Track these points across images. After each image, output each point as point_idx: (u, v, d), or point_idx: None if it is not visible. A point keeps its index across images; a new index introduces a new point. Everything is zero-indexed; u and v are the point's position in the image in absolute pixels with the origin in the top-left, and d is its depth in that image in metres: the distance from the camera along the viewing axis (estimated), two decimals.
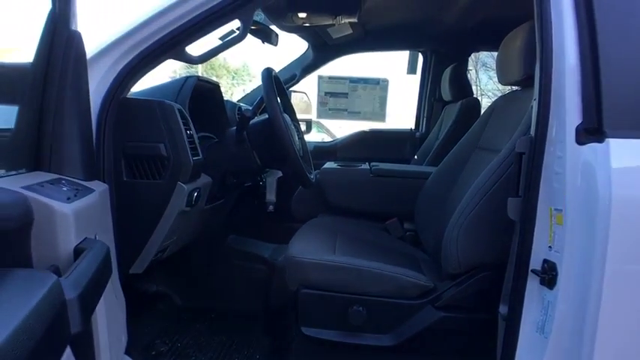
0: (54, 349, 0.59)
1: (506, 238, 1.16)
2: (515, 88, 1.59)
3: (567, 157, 0.99)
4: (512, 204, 1.08)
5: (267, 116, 1.42)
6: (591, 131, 0.99)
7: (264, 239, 2.11)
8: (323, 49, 2.58)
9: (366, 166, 1.93)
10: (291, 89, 2.66)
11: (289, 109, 1.71)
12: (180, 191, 1.23)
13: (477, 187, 1.26)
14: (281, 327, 1.73)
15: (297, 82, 2.64)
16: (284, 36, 2.49)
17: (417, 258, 1.59)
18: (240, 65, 16.89)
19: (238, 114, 1.87)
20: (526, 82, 1.36)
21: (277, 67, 2.65)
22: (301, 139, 1.69)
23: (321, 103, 2.91)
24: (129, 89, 1.21)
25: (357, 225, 1.78)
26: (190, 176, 1.24)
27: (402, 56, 2.83)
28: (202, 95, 1.60)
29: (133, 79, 1.18)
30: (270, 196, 1.71)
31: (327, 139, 3.76)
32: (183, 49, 1.25)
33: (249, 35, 1.63)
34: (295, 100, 2.81)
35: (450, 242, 1.26)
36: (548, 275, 1.02)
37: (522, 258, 1.07)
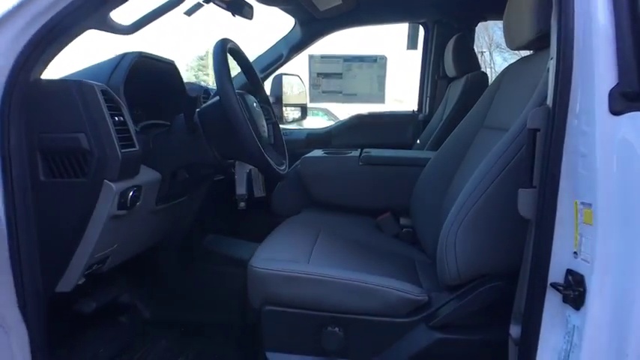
0: None
1: (518, 241, 0.91)
2: (527, 53, 1.31)
3: (597, 132, 0.74)
4: (525, 197, 0.83)
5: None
6: (631, 96, 0.74)
7: (249, 237, 1.88)
8: (311, 24, 2.31)
9: (355, 153, 1.67)
10: (282, 73, 2.42)
11: (258, 89, 1.45)
12: (108, 191, 1.00)
13: (480, 176, 1.00)
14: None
15: (284, 62, 2.38)
16: (276, 14, 2.24)
17: (413, 260, 1.34)
18: None
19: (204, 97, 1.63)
20: (540, 43, 1.09)
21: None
22: (272, 124, 1.44)
23: (314, 85, 2.64)
24: (41, 68, 0.97)
25: (345, 222, 1.53)
26: (121, 173, 1.00)
27: (401, 30, 2.54)
28: (154, 76, 1.36)
29: (42, 56, 0.95)
30: (241, 190, 1.46)
31: None
32: (107, 16, 1.01)
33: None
34: (288, 84, 2.58)
35: (447, 245, 1.00)
36: (574, 291, 0.77)
37: (539, 267, 0.82)
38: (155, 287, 1.69)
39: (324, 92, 2.66)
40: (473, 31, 2.37)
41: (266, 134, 1.31)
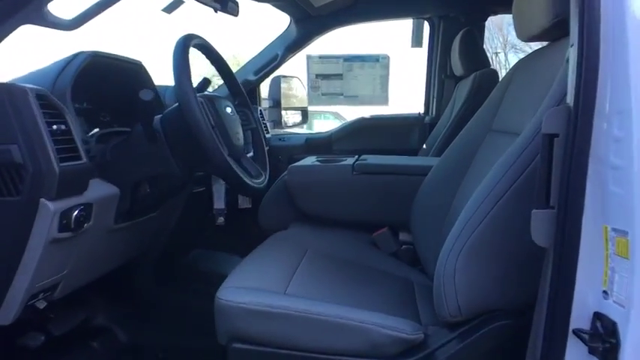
0: None
1: (533, 271, 0.74)
2: (541, 46, 1.14)
3: (635, 138, 0.57)
4: (540, 219, 0.66)
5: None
6: None
7: (238, 251, 1.73)
8: (307, 22, 2.15)
9: (350, 160, 1.50)
10: (280, 75, 2.27)
11: (235, 91, 1.30)
12: (45, 212, 0.85)
13: (485, 191, 0.82)
14: None
15: (280, 63, 2.23)
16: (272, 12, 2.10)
17: (412, 284, 1.17)
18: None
19: None
20: (557, 31, 0.92)
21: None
22: (252, 130, 1.29)
23: (313, 88, 2.49)
24: None
25: (336, 238, 1.37)
26: (60, 189, 0.86)
27: (405, 26, 2.36)
28: (120, 78, 1.22)
29: None
30: (219, 204, 1.31)
31: None
32: (43, 9, 0.87)
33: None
34: (287, 86, 2.44)
35: (445, 275, 0.83)
36: (604, 343, 0.60)
37: (558, 308, 0.65)
38: (132, 308, 1.55)
39: (323, 95, 2.50)
40: (482, 27, 2.18)
41: (241, 142, 1.15)
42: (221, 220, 1.33)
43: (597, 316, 0.62)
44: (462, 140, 1.26)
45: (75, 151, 0.91)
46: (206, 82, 1.33)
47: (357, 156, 1.62)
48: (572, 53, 0.65)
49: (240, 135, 1.16)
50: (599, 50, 0.60)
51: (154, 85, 1.30)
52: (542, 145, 0.65)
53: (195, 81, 1.36)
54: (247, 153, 1.28)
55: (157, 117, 1.07)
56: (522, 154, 0.78)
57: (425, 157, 1.85)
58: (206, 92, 1.26)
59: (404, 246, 1.37)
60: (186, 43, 1.02)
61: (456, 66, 1.97)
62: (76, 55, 1.05)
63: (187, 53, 1.01)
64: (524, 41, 1.13)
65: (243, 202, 1.67)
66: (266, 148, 1.39)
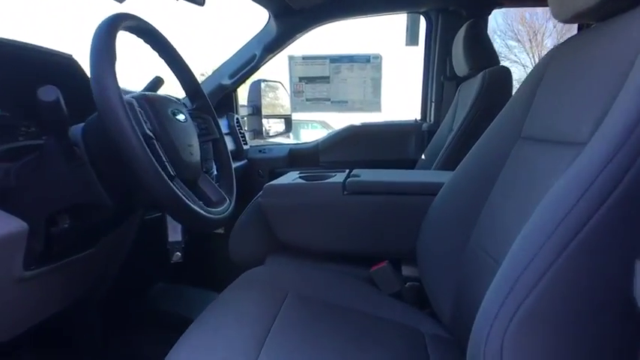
0: None
1: (626, 348, 0.47)
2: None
3: None
4: None
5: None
6: None
7: (216, 283, 1.43)
8: (288, 17, 1.89)
9: (339, 176, 1.23)
10: (261, 79, 2.02)
11: (194, 92, 1.02)
12: None
13: (544, 228, 0.55)
14: None
15: (258, 65, 1.96)
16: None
17: (422, 336, 0.90)
18: None
19: None
20: (608, 7, 0.66)
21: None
22: (213, 141, 1.01)
23: (296, 92, 2.23)
24: None
25: (324, 276, 1.09)
26: None
27: (399, 22, 2.12)
28: (45, 76, 0.93)
29: None
30: (175, 235, 1.02)
31: None
32: None
33: None
34: (270, 92, 2.18)
35: (486, 354, 0.56)
36: None
37: None
38: None
39: (308, 100, 2.24)
40: (486, 22, 1.94)
41: (195, 158, 0.87)
42: (177, 255, 1.04)
43: None
44: (481, 151, 0.99)
45: None
46: (158, 81, 1.06)
47: (347, 170, 1.36)
48: None
49: (196, 148, 0.88)
50: None
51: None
52: None
53: (145, 80, 1.09)
54: (210, 171, 1.00)
55: (78, 126, 0.79)
56: (603, 173, 0.51)
57: (430, 170, 1.58)
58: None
59: (408, 283, 1.10)
60: (114, 24, 0.74)
61: (460, 65, 1.72)
62: None
63: (113, 38, 0.73)
64: (562, 22, 0.88)
65: None
66: (235, 165, 1.11)
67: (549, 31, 10.16)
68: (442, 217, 1.01)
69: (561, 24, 1.48)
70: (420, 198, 1.08)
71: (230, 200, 0.93)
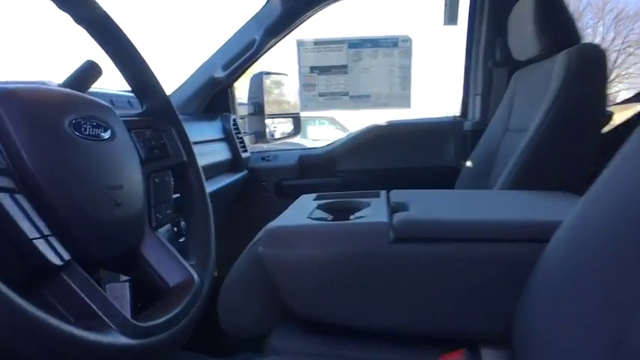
0: None
1: None
2: None
3: None
4: None
5: None
6: None
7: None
8: None
9: (377, 206, 0.82)
10: (264, 71, 1.70)
11: (140, 86, 0.61)
12: None
13: None
14: None
15: (258, 52, 1.58)
16: None
17: None
18: None
19: None
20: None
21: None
22: (175, 168, 0.61)
23: (306, 86, 1.84)
24: None
25: None
26: None
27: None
28: None
29: None
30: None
31: None
32: None
33: None
34: (276, 89, 1.84)
35: None
36: None
37: None
38: None
39: (321, 95, 1.86)
40: None
41: (127, 209, 0.47)
42: None
43: None
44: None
45: None
46: (90, 69, 0.65)
47: (385, 192, 0.96)
48: None
49: (132, 190, 0.48)
50: None
51: None
52: None
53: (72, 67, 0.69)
54: (166, 221, 0.60)
55: None
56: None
57: (497, 188, 1.14)
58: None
59: None
60: None
61: (524, 45, 1.29)
62: None
63: None
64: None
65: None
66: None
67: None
68: (566, 281, 0.60)
69: None
70: (521, 246, 0.67)
71: (202, 280, 0.53)
